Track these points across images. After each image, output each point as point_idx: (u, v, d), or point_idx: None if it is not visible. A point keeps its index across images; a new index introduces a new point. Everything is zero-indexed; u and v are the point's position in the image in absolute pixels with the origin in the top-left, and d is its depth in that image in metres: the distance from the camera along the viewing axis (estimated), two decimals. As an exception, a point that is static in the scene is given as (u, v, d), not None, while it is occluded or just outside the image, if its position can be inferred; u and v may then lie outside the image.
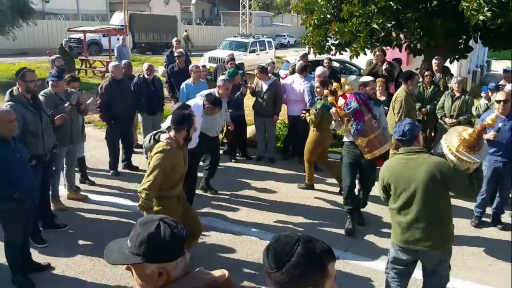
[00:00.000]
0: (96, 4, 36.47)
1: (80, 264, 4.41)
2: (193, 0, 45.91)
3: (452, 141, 3.35)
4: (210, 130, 5.77)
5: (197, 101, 5.30)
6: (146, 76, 7.11)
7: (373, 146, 4.72)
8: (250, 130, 8.32)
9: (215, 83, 8.00)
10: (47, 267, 4.27)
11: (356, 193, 5.36)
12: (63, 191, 5.82)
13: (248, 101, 8.54)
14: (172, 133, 3.83)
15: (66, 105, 5.28)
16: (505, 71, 7.77)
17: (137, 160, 7.32)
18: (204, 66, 8.17)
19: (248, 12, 37.21)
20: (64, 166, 5.74)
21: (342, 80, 5.57)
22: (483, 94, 6.78)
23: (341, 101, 4.91)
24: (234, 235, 5.10)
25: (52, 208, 5.26)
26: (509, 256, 4.67)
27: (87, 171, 6.59)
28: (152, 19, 30.08)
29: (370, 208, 5.69)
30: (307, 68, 7.68)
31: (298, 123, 7.26)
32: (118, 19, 28.46)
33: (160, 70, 15.53)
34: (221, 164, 7.34)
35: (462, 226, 5.34)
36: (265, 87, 7.43)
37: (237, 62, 11.42)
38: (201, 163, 6.27)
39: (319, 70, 6.96)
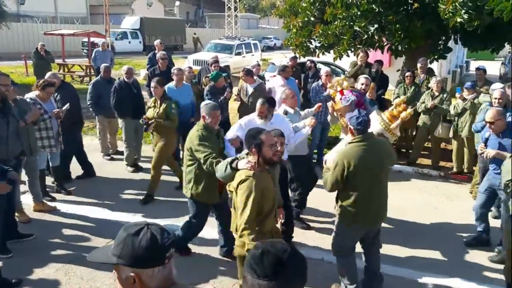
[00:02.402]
0: (75, 7, 35.94)
1: (55, 277, 4.28)
2: (177, 2, 45.67)
3: (386, 121, 4.50)
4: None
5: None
6: (126, 79, 7.01)
7: None
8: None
9: (200, 86, 8.05)
10: (18, 284, 4.07)
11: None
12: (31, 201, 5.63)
13: (234, 104, 8.55)
14: (250, 157, 3.30)
15: (20, 121, 4.81)
16: (477, 69, 7.93)
17: (115, 167, 7.23)
18: (190, 68, 8.12)
19: (233, 14, 37.20)
20: (27, 178, 5.47)
21: (342, 77, 5.98)
22: (457, 95, 6.92)
23: (338, 96, 5.24)
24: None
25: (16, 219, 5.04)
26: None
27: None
28: (162, 22, 31.91)
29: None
30: (285, 69, 7.76)
31: None
32: (130, 22, 29.61)
33: (142, 73, 15.40)
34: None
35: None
36: (250, 89, 7.44)
37: (222, 65, 11.46)
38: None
39: (324, 69, 7.60)
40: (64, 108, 5.79)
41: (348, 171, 3.56)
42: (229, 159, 3.45)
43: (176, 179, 6.54)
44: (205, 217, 4.59)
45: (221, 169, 3.48)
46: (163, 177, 6.29)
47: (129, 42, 28.19)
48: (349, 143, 3.73)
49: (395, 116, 4.63)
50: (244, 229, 3.06)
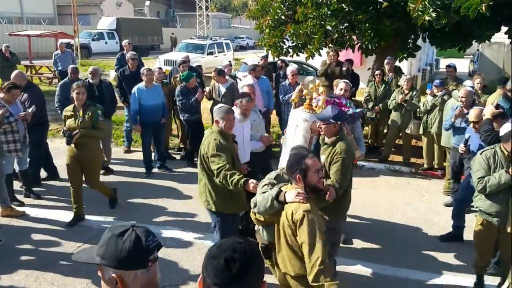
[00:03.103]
0: (42, 7, 34.88)
1: (25, 284, 4.14)
2: (147, 2, 45.04)
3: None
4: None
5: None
6: (90, 81, 6.83)
7: None
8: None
9: (171, 86, 7.94)
10: None
11: None
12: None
13: (207, 104, 8.48)
14: (294, 185, 2.91)
15: None
16: (447, 66, 8.14)
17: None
18: (160, 69, 8.01)
19: (205, 14, 36.99)
20: None
21: (316, 82, 5.60)
22: (428, 91, 7.08)
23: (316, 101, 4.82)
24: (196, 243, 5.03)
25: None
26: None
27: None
28: (139, 22, 32.00)
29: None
30: (256, 68, 7.78)
31: None
32: (106, 23, 29.76)
33: (112, 74, 15.08)
34: (179, 170, 7.27)
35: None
36: (222, 89, 7.38)
37: (194, 65, 11.33)
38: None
39: (289, 69, 7.56)
40: (30, 110, 5.61)
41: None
42: (272, 192, 2.90)
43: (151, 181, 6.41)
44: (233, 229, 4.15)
45: (263, 204, 2.93)
46: (137, 180, 6.18)
47: (106, 43, 28.04)
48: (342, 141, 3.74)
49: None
50: (320, 272, 2.61)
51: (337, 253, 4.10)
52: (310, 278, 2.66)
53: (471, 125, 4.90)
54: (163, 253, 4.70)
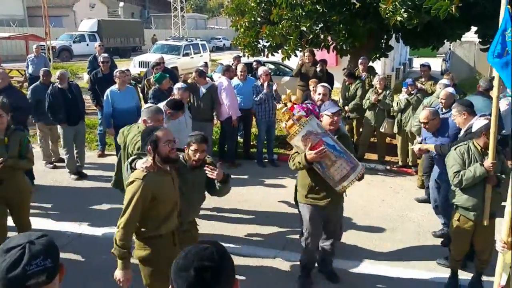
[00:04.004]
0: (11, 9, 33.82)
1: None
2: (121, 3, 44.42)
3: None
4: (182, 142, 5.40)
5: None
6: (59, 86, 6.67)
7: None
8: (185, 136, 8.21)
9: (146, 87, 7.82)
10: None
11: None
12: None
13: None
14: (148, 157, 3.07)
15: None
16: (422, 65, 8.29)
17: (58, 175, 6.96)
18: (127, 70, 7.82)
19: (180, 15, 36.73)
20: None
21: (288, 92, 5.11)
22: (404, 89, 7.20)
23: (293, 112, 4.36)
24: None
25: None
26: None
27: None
28: (120, 24, 32.38)
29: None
30: (229, 69, 7.81)
31: (224, 125, 7.53)
32: (87, 25, 29.95)
33: (85, 77, 14.80)
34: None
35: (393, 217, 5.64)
36: (202, 90, 7.31)
37: (170, 66, 11.21)
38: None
39: (261, 70, 7.48)
40: None
41: None
42: (131, 158, 3.20)
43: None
44: None
45: (124, 169, 3.25)
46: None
47: (87, 45, 27.66)
48: None
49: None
50: (117, 232, 2.93)
51: (316, 244, 4.12)
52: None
53: (422, 125, 5.01)
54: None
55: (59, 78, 6.74)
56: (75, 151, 7.02)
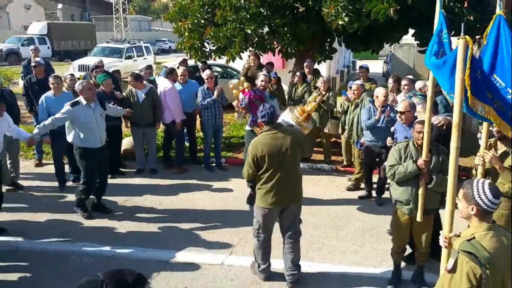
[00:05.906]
0: None
1: None
2: (59, 4, 42.49)
3: (296, 116, 5.21)
4: (92, 140, 5.50)
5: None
6: None
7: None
8: (126, 142, 7.93)
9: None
10: None
11: None
12: None
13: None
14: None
15: None
16: (360, 67, 8.52)
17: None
18: (72, 75, 7.46)
19: (122, 17, 35.73)
20: None
21: (241, 79, 6.67)
22: (343, 97, 7.31)
23: (241, 96, 6.07)
24: (116, 257, 4.75)
25: None
26: (378, 237, 5.14)
27: None
28: (71, 27, 32.07)
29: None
30: (173, 72, 7.75)
31: (170, 129, 7.44)
32: (37, 28, 29.00)
33: (21, 83, 13.94)
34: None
35: (334, 212, 5.74)
36: (141, 95, 7.08)
37: (111, 70, 10.82)
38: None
39: (205, 73, 7.50)
40: None
41: (258, 156, 3.98)
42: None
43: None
44: None
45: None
46: (49, 194, 5.70)
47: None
48: (260, 133, 4.17)
49: (306, 111, 5.36)
50: None
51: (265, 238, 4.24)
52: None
53: (398, 115, 5.18)
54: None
55: None
56: (8, 161, 6.55)
